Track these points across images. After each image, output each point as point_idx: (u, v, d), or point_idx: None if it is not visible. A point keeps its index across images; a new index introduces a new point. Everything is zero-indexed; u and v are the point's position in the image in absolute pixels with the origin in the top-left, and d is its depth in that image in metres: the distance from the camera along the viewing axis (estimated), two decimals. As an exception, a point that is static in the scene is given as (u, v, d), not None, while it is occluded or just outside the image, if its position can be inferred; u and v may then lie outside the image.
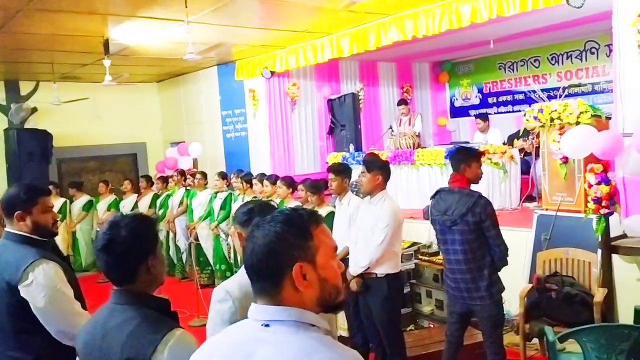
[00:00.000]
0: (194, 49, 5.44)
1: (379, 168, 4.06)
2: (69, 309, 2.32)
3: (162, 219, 7.84)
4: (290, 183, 5.63)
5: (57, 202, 8.27)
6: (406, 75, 10.73)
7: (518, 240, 5.04)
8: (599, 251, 4.40)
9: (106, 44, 6.74)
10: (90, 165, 10.71)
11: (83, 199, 8.78)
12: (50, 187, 8.31)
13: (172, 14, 5.83)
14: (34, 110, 9.62)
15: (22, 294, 2.30)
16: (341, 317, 4.91)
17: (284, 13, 6.44)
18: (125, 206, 8.29)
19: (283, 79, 9.05)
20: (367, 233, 4.00)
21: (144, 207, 8.17)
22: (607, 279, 4.35)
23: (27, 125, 9.50)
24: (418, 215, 6.53)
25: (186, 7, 5.34)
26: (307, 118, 9.37)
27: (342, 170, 4.75)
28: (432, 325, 4.89)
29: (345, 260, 4.30)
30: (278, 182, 5.80)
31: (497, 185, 6.71)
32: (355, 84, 9.86)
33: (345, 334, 4.88)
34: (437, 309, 4.85)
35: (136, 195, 8.41)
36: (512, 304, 4.66)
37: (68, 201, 8.75)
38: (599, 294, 4.01)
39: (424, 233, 6.15)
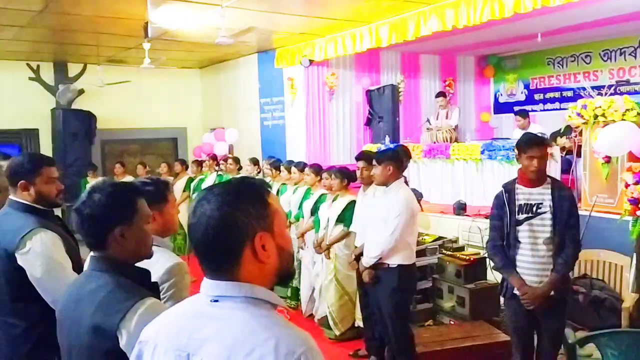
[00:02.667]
0: (226, 33, 5.43)
1: (389, 158, 4.00)
2: (65, 279, 2.32)
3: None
4: (318, 171, 5.58)
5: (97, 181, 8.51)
6: (450, 68, 10.47)
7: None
8: (634, 255, 4.15)
9: (146, 27, 6.84)
10: (132, 147, 10.97)
11: (125, 179, 8.97)
12: (90, 171, 8.72)
13: (208, -2, 5.85)
14: (81, 91, 9.92)
15: (19, 262, 2.32)
16: (359, 308, 4.85)
17: (322, 0, 6.37)
18: (161, 188, 8.43)
19: (322, 68, 8.98)
20: (380, 224, 3.92)
21: (178, 190, 8.29)
22: (641, 285, 4.10)
23: (73, 107, 9.81)
24: (449, 210, 6.37)
25: (221, -10, 5.34)
26: (344, 108, 9.27)
27: (372, 159, 4.65)
28: (451, 322, 4.74)
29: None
30: (306, 169, 5.76)
31: (534, 184, 6.44)
32: (396, 76, 9.69)
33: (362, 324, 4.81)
34: (458, 305, 4.70)
35: (172, 178, 8.54)
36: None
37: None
38: (629, 300, 3.79)
39: (453, 228, 6.00)
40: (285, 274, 1.28)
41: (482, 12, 6.02)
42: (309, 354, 1.12)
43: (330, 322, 5.02)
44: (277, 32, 7.99)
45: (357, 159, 4.72)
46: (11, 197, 2.50)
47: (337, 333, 5.02)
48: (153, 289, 1.77)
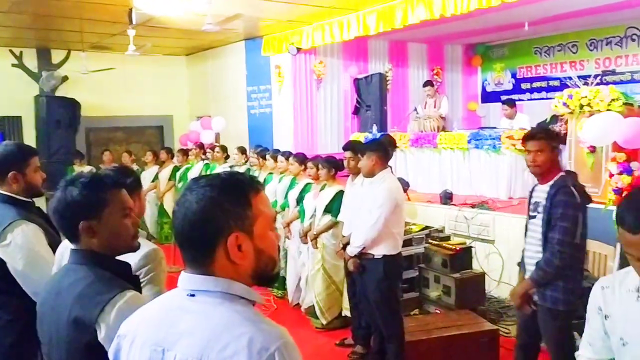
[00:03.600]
0: (212, 20, 5.36)
1: (372, 149, 4.00)
2: (47, 271, 2.28)
3: (180, 191, 7.90)
4: (303, 160, 5.55)
5: (84, 170, 8.41)
6: (437, 57, 10.46)
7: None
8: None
9: (130, 13, 6.73)
10: (117, 135, 10.85)
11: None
12: (76, 159, 8.62)
13: (194, -16, 5.77)
14: (65, 78, 9.77)
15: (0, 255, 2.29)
16: (346, 297, 4.86)
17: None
18: (146, 177, 8.34)
19: (309, 56, 8.93)
20: (365, 214, 3.92)
21: (164, 178, 8.23)
22: (624, 274, 4.14)
23: (57, 94, 9.66)
24: (436, 200, 6.39)
25: (206, -24, 5.27)
26: (332, 97, 9.24)
27: (359, 149, 4.64)
28: (437, 311, 4.77)
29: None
30: (290, 158, 5.72)
31: (519, 173, 6.48)
32: (384, 64, 9.66)
33: (350, 313, 4.82)
34: (444, 295, 4.73)
35: (157, 167, 8.47)
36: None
37: (94, 169, 8.88)
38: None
39: (440, 217, 6.02)
40: (264, 277, 1.25)
41: (470, 0, 6.00)
42: (283, 350, 1.10)
43: (317, 312, 5.03)
44: (264, 20, 7.91)
45: (344, 148, 4.69)
46: None
47: (324, 322, 5.03)
48: (134, 282, 1.74)
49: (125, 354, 1.27)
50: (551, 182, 3.13)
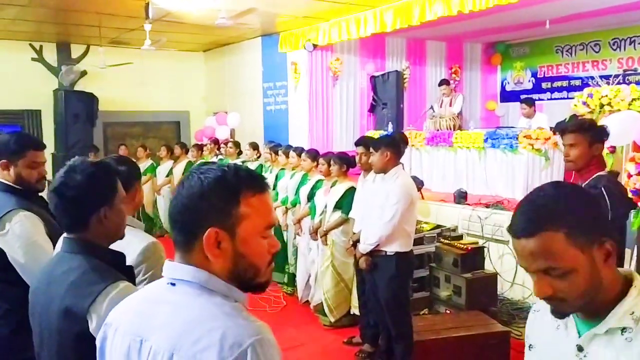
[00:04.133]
0: (226, 15, 5.34)
1: (386, 145, 3.92)
2: (45, 261, 2.27)
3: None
4: (315, 156, 5.50)
5: (97, 164, 8.49)
6: (456, 55, 10.33)
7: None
8: (635, 247, 4.08)
9: (147, 8, 6.74)
10: (134, 130, 10.92)
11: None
12: (91, 153, 8.69)
13: (209, -21, 5.77)
14: (84, 73, 9.85)
15: None
16: (355, 295, 4.81)
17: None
18: (161, 172, 8.41)
19: (326, 53, 8.88)
20: (378, 210, 3.86)
21: (178, 173, 8.26)
22: (641, 278, 4.02)
23: (76, 88, 9.75)
24: (450, 199, 6.29)
25: (221, -30, 5.25)
26: (348, 94, 9.18)
27: (372, 145, 4.57)
28: (447, 311, 4.69)
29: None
30: (303, 154, 5.68)
31: (537, 173, 6.36)
32: (401, 62, 9.58)
33: (358, 312, 4.77)
34: (455, 295, 4.64)
35: (172, 162, 8.50)
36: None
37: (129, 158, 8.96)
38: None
39: (453, 217, 5.93)
40: (241, 282, 1.17)
41: (489, -3, 5.90)
42: (257, 347, 1.05)
43: (326, 309, 4.98)
44: (281, 16, 7.88)
45: (357, 144, 4.64)
46: None
47: (332, 320, 4.98)
48: (128, 273, 1.71)
49: (110, 342, 1.25)
50: (586, 183, 2.96)
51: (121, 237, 1.77)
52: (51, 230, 2.37)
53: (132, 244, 1.90)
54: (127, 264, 1.77)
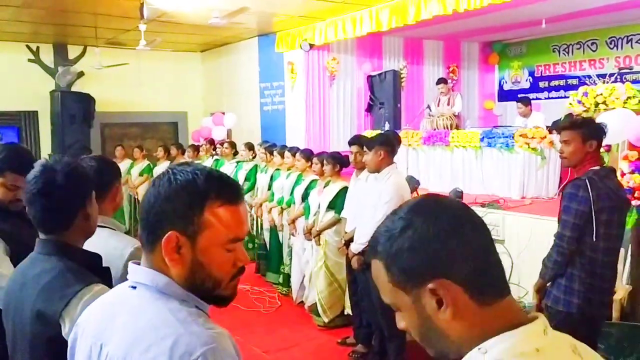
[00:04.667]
0: (219, 14, 5.33)
1: (380, 143, 3.90)
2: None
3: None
4: (309, 156, 5.48)
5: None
6: (453, 54, 10.31)
7: (551, 230, 4.76)
8: (629, 246, 4.05)
9: (142, 8, 6.74)
10: (132, 131, 10.91)
11: (124, 163, 8.91)
12: (84, 154, 8.64)
13: (203, -22, 5.76)
14: (81, 74, 9.84)
15: None
16: (347, 296, 4.79)
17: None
18: (158, 172, 8.36)
19: (323, 52, 8.86)
20: (370, 210, 3.85)
21: (175, 173, 8.23)
22: (635, 276, 4.01)
23: (73, 89, 9.74)
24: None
25: (214, -30, 5.24)
26: (345, 94, 9.16)
27: (366, 143, 4.56)
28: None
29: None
30: (297, 154, 5.67)
31: (533, 172, 6.34)
32: (399, 62, 9.56)
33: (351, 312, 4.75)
34: (449, 295, 4.62)
35: (169, 162, 8.48)
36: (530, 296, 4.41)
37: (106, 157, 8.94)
38: (621, 291, 3.70)
39: (449, 217, 5.90)
40: (198, 292, 1.12)
41: (484, -5, 5.89)
42: (210, 356, 1.01)
43: (319, 309, 4.97)
44: (277, 15, 7.87)
45: (350, 143, 4.63)
46: None
47: (326, 320, 4.96)
48: (103, 275, 1.69)
49: (78, 343, 1.24)
50: (579, 177, 2.97)
51: (92, 234, 1.75)
52: (15, 246, 2.19)
53: (117, 249, 1.87)
54: (112, 270, 1.75)
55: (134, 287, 1.14)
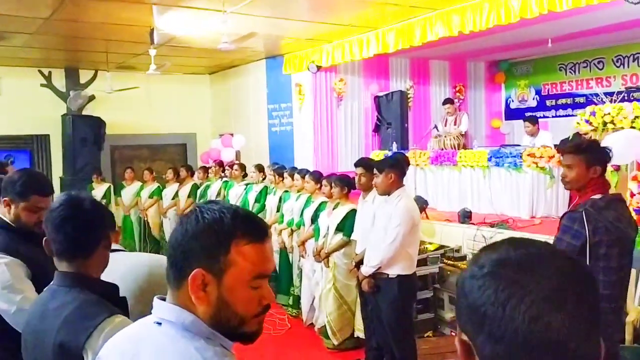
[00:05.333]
0: (228, 39, 5.42)
1: (390, 166, 3.92)
2: (24, 304, 2.10)
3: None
4: (318, 178, 5.52)
5: (101, 188, 8.57)
6: (460, 74, 10.37)
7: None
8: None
9: (152, 34, 6.86)
10: (142, 153, 11.03)
11: (133, 185, 8.98)
12: (95, 177, 8.75)
13: (212, 4, 5.86)
14: (92, 98, 9.99)
15: None
16: (359, 318, 4.78)
17: (325, 4, 6.34)
18: (167, 194, 8.44)
19: (330, 74, 8.96)
20: (380, 232, 3.86)
21: (183, 196, 8.29)
22: (647, 298, 3.97)
23: (84, 112, 9.88)
24: (455, 218, 6.27)
25: (223, -3, 5.34)
26: (352, 114, 9.23)
27: (372, 166, 4.60)
28: (453, 333, 4.65)
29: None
30: (306, 176, 5.70)
31: (542, 192, 6.34)
32: (405, 82, 9.63)
33: (362, 335, 4.73)
34: (460, 316, 4.60)
35: (178, 184, 8.54)
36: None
37: (113, 187, 9.02)
38: (633, 313, 3.67)
39: (458, 237, 5.90)
40: (223, 329, 1.13)
41: (489, 17, 5.96)
42: None
43: (329, 332, 4.96)
44: (284, 38, 7.98)
45: (356, 165, 4.66)
46: None
47: (336, 342, 4.95)
48: (121, 305, 1.72)
49: None
50: (580, 205, 2.86)
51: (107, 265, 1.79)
52: (39, 272, 2.22)
53: (152, 259, 1.94)
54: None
55: (159, 323, 1.14)
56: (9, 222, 2.34)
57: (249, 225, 1.14)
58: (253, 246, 1.13)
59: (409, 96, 9.38)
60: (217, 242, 1.11)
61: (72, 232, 1.66)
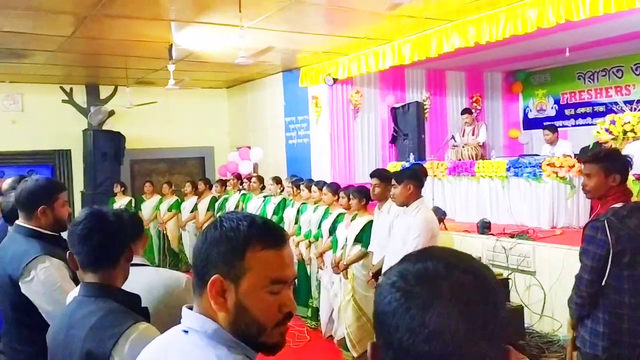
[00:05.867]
0: (245, 54, 5.50)
1: (409, 177, 3.92)
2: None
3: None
4: (336, 190, 5.53)
5: (122, 201, 8.66)
6: (476, 84, 10.35)
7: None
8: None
9: (170, 50, 6.97)
10: (160, 167, 11.15)
11: (153, 199, 9.09)
12: (117, 187, 8.87)
13: (229, 20, 5.95)
14: (112, 113, 10.17)
15: (22, 290, 2.27)
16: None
17: (341, 18, 6.39)
18: (186, 207, 8.52)
19: (346, 86, 9.00)
20: (399, 244, 3.85)
21: (202, 209, 8.35)
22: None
23: (104, 127, 10.05)
24: (473, 229, 6.23)
25: (240, 11, 5.41)
26: (369, 126, 9.25)
27: (387, 177, 4.61)
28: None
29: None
30: (324, 188, 5.72)
31: (562, 202, 6.26)
32: (422, 93, 9.63)
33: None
34: (480, 328, 4.55)
35: (196, 197, 8.62)
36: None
37: (134, 200, 9.12)
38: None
39: (477, 248, 5.86)
40: (243, 337, 1.14)
41: (505, 27, 5.95)
42: None
43: (348, 344, 4.93)
44: (301, 51, 8.05)
45: (371, 175, 4.68)
46: (18, 222, 2.48)
47: (355, 355, 4.92)
48: (143, 314, 1.75)
49: None
50: (601, 214, 2.87)
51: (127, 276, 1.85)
52: (74, 274, 2.36)
53: (172, 279, 1.97)
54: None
55: (186, 332, 1.17)
56: (41, 230, 2.42)
57: (265, 232, 1.17)
58: (269, 252, 1.15)
59: (425, 107, 9.38)
60: (233, 249, 1.14)
61: (97, 243, 1.71)
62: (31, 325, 2.30)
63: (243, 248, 1.14)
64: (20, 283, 2.26)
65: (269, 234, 1.18)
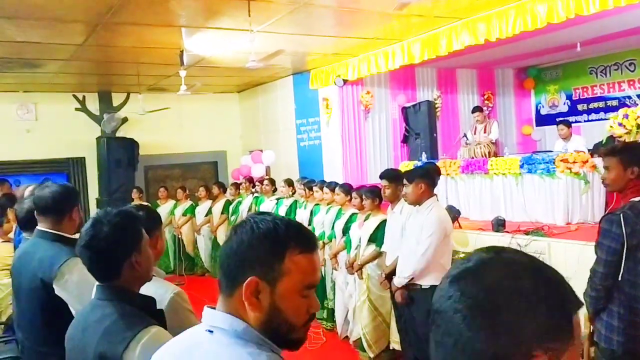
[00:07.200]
0: (256, 57, 5.53)
1: (420, 176, 3.92)
2: None
3: (233, 224, 8.04)
4: (348, 190, 5.54)
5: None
6: (488, 82, 10.30)
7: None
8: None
9: (182, 56, 7.03)
10: (174, 172, 11.24)
11: (167, 204, 9.16)
12: (135, 193, 8.94)
13: (239, 24, 5.98)
14: (125, 120, 10.24)
15: (56, 292, 2.31)
16: (394, 330, 4.75)
17: (350, 19, 6.40)
18: (200, 212, 8.58)
19: (356, 87, 9.00)
20: (412, 243, 3.85)
21: (217, 212, 8.40)
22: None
23: (118, 134, 10.14)
24: (488, 227, 6.19)
25: (249, 16, 5.44)
26: (380, 126, 9.24)
27: (396, 177, 4.61)
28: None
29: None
30: (336, 189, 5.73)
31: (577, 197, 6.21)
32: (433, 92, 9.60)
33: (398, 347, 4.70)
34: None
35: (211, 201, 8.66)
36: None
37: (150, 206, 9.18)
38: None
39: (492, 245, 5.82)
40: (275, 336, 1.16)
41: (515, 24, 5.91)
42: None
43: (365, 344, 4.94)
44: (310, 54, 8.07)
45: (381, 177, 4.68)
46: (40, 227, 2.52)
47: (372, 355, 4.92)
48: (158, 316, 1.77)
49: None
50: (620, 208, 2.89)
51: (150, 279, 1.85)
52: None
53: (156, 295, 1.94)
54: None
55: (211, 331, 1.17)
56: (66, 235, 2.47)
57: (302, 236, 1.19)
58: (305, 256, 1.17)
59: (436, 106, 9.34)
60: (272, 251, 1.15)
61: (91, 258, 1.74)
62: (59, 327, 2.33)
63: (282, 251, 1.15)
64: (54, 285, 2.32)
65: (305, 237, 1.20)
